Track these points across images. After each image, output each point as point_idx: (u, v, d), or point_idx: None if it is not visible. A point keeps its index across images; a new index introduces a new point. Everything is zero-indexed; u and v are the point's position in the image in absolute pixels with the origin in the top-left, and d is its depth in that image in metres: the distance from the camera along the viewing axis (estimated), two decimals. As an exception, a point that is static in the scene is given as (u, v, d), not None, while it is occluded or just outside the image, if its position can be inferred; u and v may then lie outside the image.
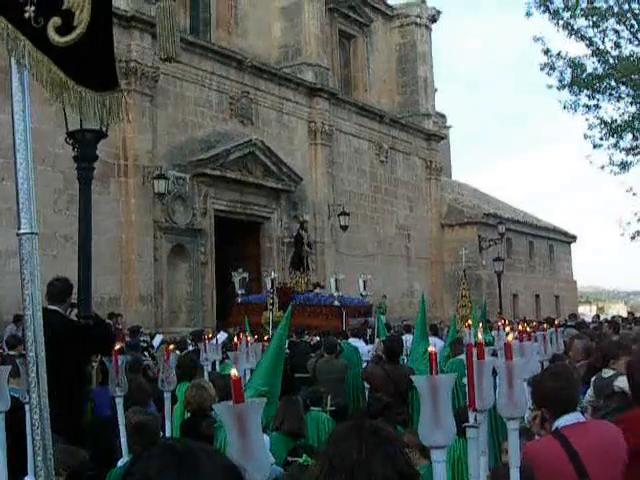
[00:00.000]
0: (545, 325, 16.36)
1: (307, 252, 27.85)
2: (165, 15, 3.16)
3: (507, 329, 8.32)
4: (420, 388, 2.86)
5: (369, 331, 19.43)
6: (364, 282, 27.20)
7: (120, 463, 6.21)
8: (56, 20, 2.97)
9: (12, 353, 10.86)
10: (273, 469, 6.06)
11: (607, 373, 7.15)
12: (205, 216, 27.02)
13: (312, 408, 8.97)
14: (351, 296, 26.38)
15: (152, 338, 18.42)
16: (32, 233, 2.97)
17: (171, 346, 9.21)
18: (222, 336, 16.20)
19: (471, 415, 3.52)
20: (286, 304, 22.97)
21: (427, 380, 2.84)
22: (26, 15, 3.00)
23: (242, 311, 21.75)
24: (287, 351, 14.50)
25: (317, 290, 25.97)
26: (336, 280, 25.08)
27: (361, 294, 26.98)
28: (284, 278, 27.48)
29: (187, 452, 1.83)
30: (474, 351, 3.58)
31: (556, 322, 13.15)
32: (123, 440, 6.25)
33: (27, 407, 4.23)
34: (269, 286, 21.95)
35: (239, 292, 25.10)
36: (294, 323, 20.72)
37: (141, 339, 17.35)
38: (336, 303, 24.11)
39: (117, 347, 7.01)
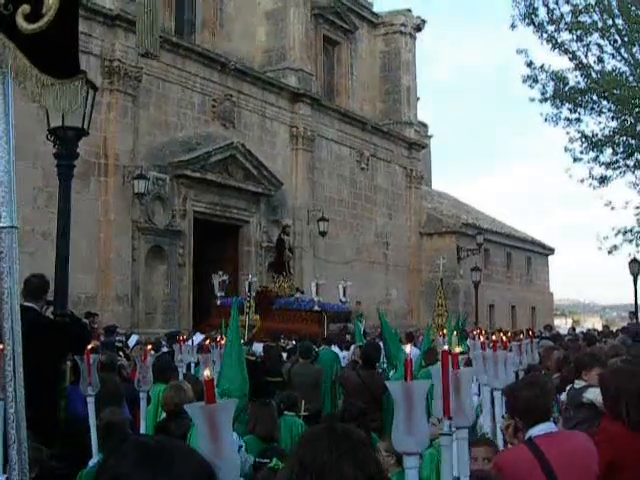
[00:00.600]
0: (521, 336, 16.43)
1: (288, 257, 27.84)
2: (145, 11, 3.13)
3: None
4: (394, 394, 2.85)
5: (348, 337, 19.47)
6: (344, 288, 27.18)
7: (91, 463, 6.18)
8: (25, 7, 2.96)
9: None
10: (246, 459, 6.09)
11: (579, 384, 7.19)
12: (184, 218, 26.94)
13: (286, 413, 8.96)
14: (330, 302, 26.35)
15: (127, 338, 18.34)
16: (12, 227, 2.95)
17: (149, 346, 9.19)
18: (197, 338, 16.17)
19: (445, 423, 3.52)
20: (266, 308, 23.05)
21: (401, 386, 2.84)
22: None
23: (221, 313, 21.73)
24: (262, 355, 14.55)
25: (297, 295, 25.93)
26: (317, 285, 25.04)
27: (341, 300, 26.95)
28: (262, 282, 27.48)
29: (160, 448, 1.83)
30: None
31: (531, 333, 13.21)
32: (94, 440, 6.22)
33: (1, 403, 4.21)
34: (247, 289, 21.95)
35: (218, 294, 25.07)
36: (274, 327, 20.83)
37: (116, 339, 17.27)
38: (316, 308, 24.08)
39: (89, 346, 6.99)
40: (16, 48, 2.98)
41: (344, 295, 27.11)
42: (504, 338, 7.46)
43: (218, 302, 24.73)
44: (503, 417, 4.94)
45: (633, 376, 5.02)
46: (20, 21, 2.96)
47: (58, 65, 3.06)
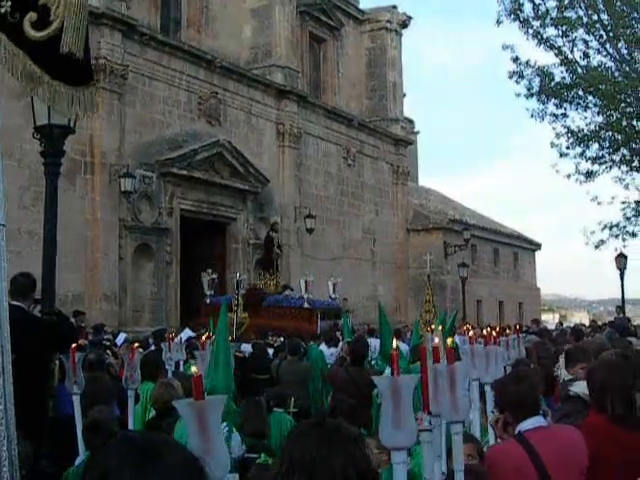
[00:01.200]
0: (507, 330, 16.45)
1: (277, 254, 27.81)
2: (73, 9, 3.09)
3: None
4: (382, 389, 2.85)
5: (338, 334, 19.43)
6: (334, 285, 27.12)
7: (78, 461, 6.16)
8: (32, 15, 2.95)
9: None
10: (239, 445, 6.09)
11: (567, 377, 7.22)
12: (171, 216, 26.89)
13: (275, 409, 8.95)
14: (318, 299, 26.27)
15: (115, 336, 18.30)
16: (0, 225, 2.93)
17: (136, 344, 9.15)
18: (186, 334, 16.12)
19: (426, 419, 3.52)
20: (255, 305, 22.98)
21: (389, 381, 2.83)
22: (2, 10, 2.97)
23: (210, 312, 21.65)
24: (250, 351, 14.54)
25: (286, 292, 25.88)
26: (306, 282, 24.98)
27: (330, 297, 26.89)
28: (250, 279, 27.46)
29: (147, 443, 1.83)
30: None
31: (518, 328, 13.24)
32: (80, 438, 6.20)
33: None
34: (235, 287, 21.88)
35: (207, 293, 24.96)
36: (264, 325, 20.76)
37: (104, 337, 17.24)
38: (305, 305, 24.03)
39: (74, 345, 6.96)
40: (25, 55, 2.97)
41: (334, 292, 27.06)
42: (493, 333, 7.49)
43: (207, 300, 24.63)
44: (493, 412, 4.95)
45: (620, 370, 5.03)
46: (27, 29, 2.96)
47: (69, 71, 3.05)
